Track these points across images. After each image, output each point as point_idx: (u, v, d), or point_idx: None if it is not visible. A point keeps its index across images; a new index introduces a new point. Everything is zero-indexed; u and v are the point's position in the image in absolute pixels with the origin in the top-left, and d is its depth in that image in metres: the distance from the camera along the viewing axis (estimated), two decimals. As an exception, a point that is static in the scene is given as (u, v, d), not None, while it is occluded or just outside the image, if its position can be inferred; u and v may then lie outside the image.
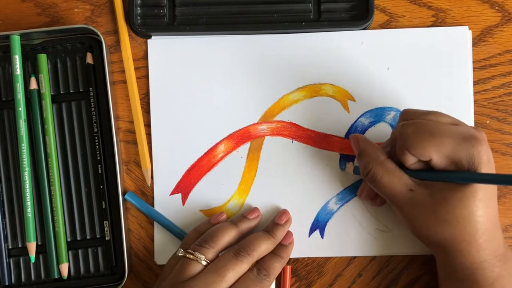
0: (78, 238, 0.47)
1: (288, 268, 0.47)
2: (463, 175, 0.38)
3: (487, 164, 0.38)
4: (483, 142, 0.39)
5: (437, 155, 0.39)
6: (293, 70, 0.49)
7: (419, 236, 0.42)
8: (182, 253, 0.43)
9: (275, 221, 0.46)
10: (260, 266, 0.43)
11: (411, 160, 0.40)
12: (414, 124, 0.40)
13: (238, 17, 0.48)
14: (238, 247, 0.43)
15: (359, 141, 0.44)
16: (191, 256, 0.42)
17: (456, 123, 0.41)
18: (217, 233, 0.44)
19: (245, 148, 0.48)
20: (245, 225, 0.46)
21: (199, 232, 0.45)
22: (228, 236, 0.44)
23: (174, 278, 0.41)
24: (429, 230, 0.40)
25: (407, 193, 0.40)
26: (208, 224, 0.46)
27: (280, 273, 0.47)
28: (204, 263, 0.42)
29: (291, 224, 0.47)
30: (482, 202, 0.38)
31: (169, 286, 0.41)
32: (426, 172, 0.40)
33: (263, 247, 0.44)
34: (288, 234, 0.46)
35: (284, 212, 0.47)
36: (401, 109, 0.48)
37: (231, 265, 0.41)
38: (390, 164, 0.41)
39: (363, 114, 0.48)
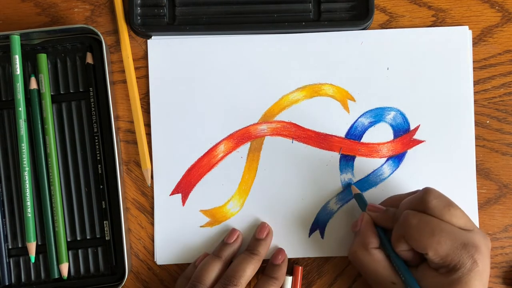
0: (78, 238, 0.47)
1: (300, 268, 0.47)
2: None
3: (479, 274, 0.38)
4: (483, 251, 0.38)
5: (433, 253, 0.38)
6: (293, 70, 0.49)
7: None
8: None
9: (256, 237, 0.46)
10: None
11: (403, 247, 0.40)
12: (418, 217, 0.39)
13: (238, 17, 0.48)
14: (224, 280, 0.43)
15: (363, 221, 0.43)
16: None
17: (468, 228, 0.39)
18: (202, 272, 0.44)
19: (245, 148, 0.48)
20: (228, 252, 0.46)
21: (186, 278, 0.45)
22: (213, 271, 0.44)
23: None
24: None
25: (390, 285, 0.40)
26: (194, 268, 0.46)
27: (293, 273, 0.47)
28: None
29: (272, 236, 0.47)
30: None
31: None
32: (401, 265, 0.40)
33: (249, 271, 0.44)
34: (280, 251, 0.46)
35: (263, 226, 0.47)
36: (401, 109, 0.48)
37: None
38: (379, 254, 0.41)
39: (363, 114, 0.48)
